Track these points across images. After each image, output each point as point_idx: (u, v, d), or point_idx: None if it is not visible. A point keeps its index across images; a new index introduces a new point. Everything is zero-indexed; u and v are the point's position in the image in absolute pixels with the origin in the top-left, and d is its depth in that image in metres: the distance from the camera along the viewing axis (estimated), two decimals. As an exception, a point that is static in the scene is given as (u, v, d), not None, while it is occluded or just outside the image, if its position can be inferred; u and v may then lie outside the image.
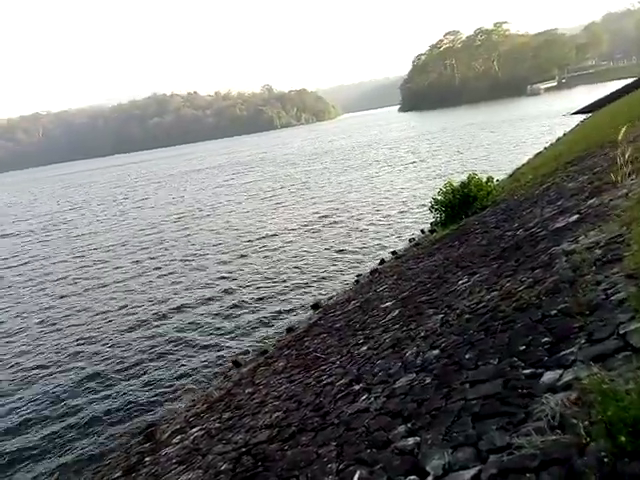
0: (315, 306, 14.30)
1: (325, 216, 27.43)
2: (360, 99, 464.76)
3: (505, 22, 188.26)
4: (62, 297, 19.36)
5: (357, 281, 15.71)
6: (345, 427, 5.09)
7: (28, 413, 10.96)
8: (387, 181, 36.54)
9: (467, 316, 5.75)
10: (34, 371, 13.11)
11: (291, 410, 6.59)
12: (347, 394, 5.92)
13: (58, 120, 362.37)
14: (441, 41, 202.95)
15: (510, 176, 24.33)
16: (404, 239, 20.26)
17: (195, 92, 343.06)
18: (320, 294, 15.66)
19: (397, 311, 8.25)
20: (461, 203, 15.16)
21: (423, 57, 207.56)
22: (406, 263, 13.39)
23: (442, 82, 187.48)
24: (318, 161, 60.74)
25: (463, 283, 7.36)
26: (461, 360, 4.64)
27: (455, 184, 15.83)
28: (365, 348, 7.30)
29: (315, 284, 16.81)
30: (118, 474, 7.56)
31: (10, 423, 10.65)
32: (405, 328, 7.04)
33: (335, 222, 25.43)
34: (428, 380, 4.77)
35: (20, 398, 11.75)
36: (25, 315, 17.86)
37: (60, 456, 9.31)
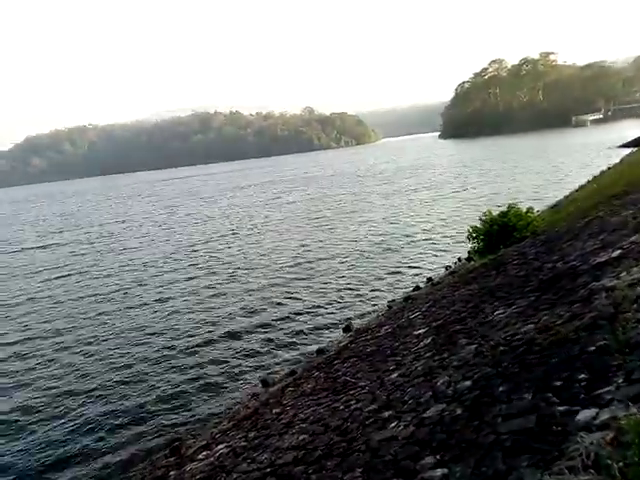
0: (346, 329, 14.28)
1: (364, 239, 27.43)
2: (399, 124, 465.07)
3: (552, 52, 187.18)
4: (99, 312, 19.74)
5: (390, 306, 15.63)
6: (372, 454, 5.06)
7: (60, 424, 11.16)
8: (427, 207, 36.38)
9: (502, 348, 5.68)
10: (72, 383, 13.38)
11: (318, 433, 6.57)
12: (375, 420, 5.89)
13: (103, 133, 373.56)
14: (485, 69, 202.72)
15: (552, 207, 23.97)
16: (440, 266, 20.10)
17: (237, 111, 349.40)
18: (352, 317, 15.62)
19: (430, 339, 8.18)
20: (499, 233, 15.00)
21: (467, 85, 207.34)
22: (441, 291, 13.27)
23: (485, 110, 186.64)
24: (360, 183, 60.91)
25: (499, 314, 7.27)
26: (494, 393, 4.58)
27: (494, 213, 15.69)
28: (396, 375, 7.25)
29: (347, 307, 16.78)
30: (143, 486, 7.65)
31: (40, 433, 10.86)
32: (437, 357, 6.97)
33: (373, 245, 25.39)
34: (459, 411, 4.71)
35: (57, 410, 11.99)
36: (61, 327, 18.27)
37: (87, 466, 9.44)
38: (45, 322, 18.85)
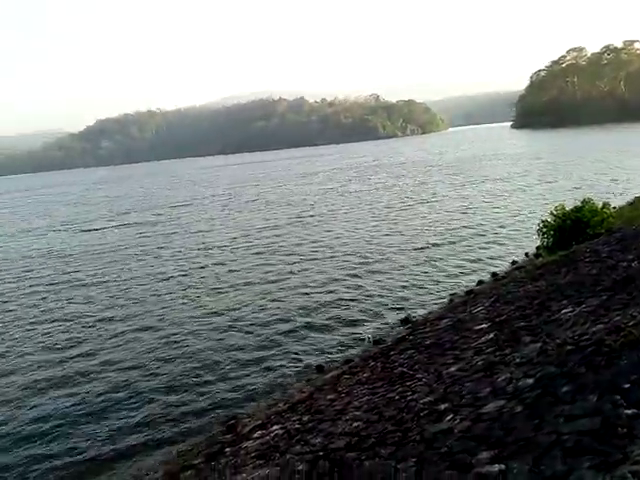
0: (405, 321, 14.24)
1: (429, 230, 27.12)
2: (468, 113, 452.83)
3: (636, 40, 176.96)
4: (164, 293, 20.44)
5: (451, 300, 15.47)
6: (426, 445, 5.08)
7: (128, 397, 11.74)
8: (497, 199, 35.51)
9: (568, 347, 5.55)
10: (138, 358, 14.02)
11: (372, 422, 6.64)
12: (431, 412, 5.89)
13: (169, 118, 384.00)
14: (563, 57, 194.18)
15: (631, 204, 22.93)
16: (506, 261, 19.66)
17: (302, 97, 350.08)
18: (411, 309, 15.55)
19: (492, 334, 8.07)
20: (572, 228, 14.53)
21: (542, 73, 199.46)
22: (506, 286, 13.01)
23: (562, 100, 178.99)
24: (427, 173, 59.96)
25: (567, 312, 7.09)
26: (557, 392, 4.50)
27: (567, 208, 15.19)
28: (454, 369, 7.21)
29: (407, 298, 16.71)
30: (200, 460, 7.95)
31: (111, 405, 11.46)
32: (499, 353, 6.88)
33: (438, 237, 25.08)
34: (519, 409, 4.66)
35: (125, 385, 12.60)
36: (127, 308, 19.02)
37: (148, 437, 9.90)
38: (110, 302, 19.62)
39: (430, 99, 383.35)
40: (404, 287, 17.84)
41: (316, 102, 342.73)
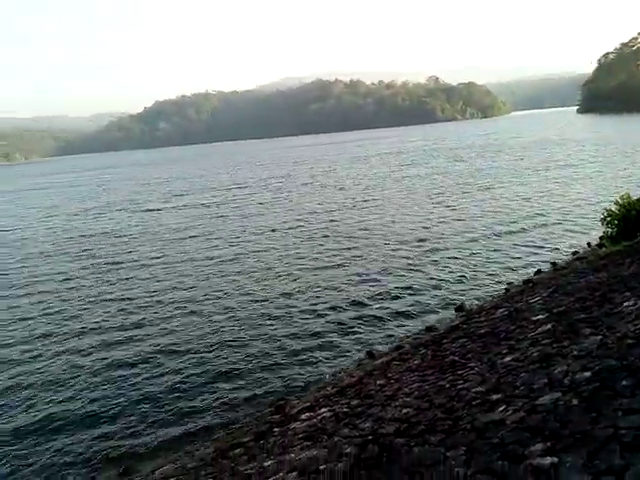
0: (459, 309, 14.10)
1: (487, 217, 26.58)
2: (531, 97, 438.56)
3: None
4: (217, 275, 20.90)
5: (507, 289, 15.20)
6: (477, 435, 5.05)
7: (180, 380, 12.13)
8: (560, 186, 34.33)
9: (630, 341, 5.39)
10: (192, 339, 14.46)
11: (422, 409, 6.64)
12: (483, 402, 5.85)
13: (225, 100, 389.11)
14: (635, 39, 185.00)
15: None
16: (567, 251, 19.12)
17: (358, 79, 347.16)
18: (465, 297, 15.36)
19: (549, 325, 7.90)
20: (637, 218, 13.97)
21: (611, 56, 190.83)
22: (566, 277, 12.68)
23: (631, 85, 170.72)
24: (487, 158, 58.50)
25: (630, 305, 6.87)
26: (616, 386, 4.39)
27: (633, 197, 14.62)
28: (509, 359, 7.11)
29: (461, 286, 16.51)
30: (249, 438, 8.15)
31: (164, 386, 11.86)
32: (556, 344, 6.74)
33: (496, 224, 24.55)
34: (575, 402, 4.58)
35: (170, 363, 13.01)
36: (180, 289, 19.51)
37: (199, 417, 10.22)
38: (164, 284, 20.08)
39: (491, 82, 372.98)
40: (459, 275, 17.62)
41: (373, 84, 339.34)
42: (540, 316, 8.93)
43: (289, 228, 29.01)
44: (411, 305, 15.19)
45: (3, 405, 11.20)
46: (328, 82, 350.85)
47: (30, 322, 16.39)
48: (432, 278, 17.51)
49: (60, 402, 11.14)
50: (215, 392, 11.10)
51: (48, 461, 9.16)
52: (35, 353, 13.78)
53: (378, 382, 8.93)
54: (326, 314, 14.98)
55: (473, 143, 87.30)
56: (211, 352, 13.06)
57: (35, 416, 10.57)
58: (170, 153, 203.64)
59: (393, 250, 21.65)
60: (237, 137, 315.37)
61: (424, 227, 25.66)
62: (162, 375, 12.10)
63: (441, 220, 26.99)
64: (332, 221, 29.76)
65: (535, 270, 16.78)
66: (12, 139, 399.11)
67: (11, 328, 15.99)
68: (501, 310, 11.66)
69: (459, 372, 7.75)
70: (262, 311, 15.80)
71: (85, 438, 9.79)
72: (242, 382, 11.45)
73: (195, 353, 13.11)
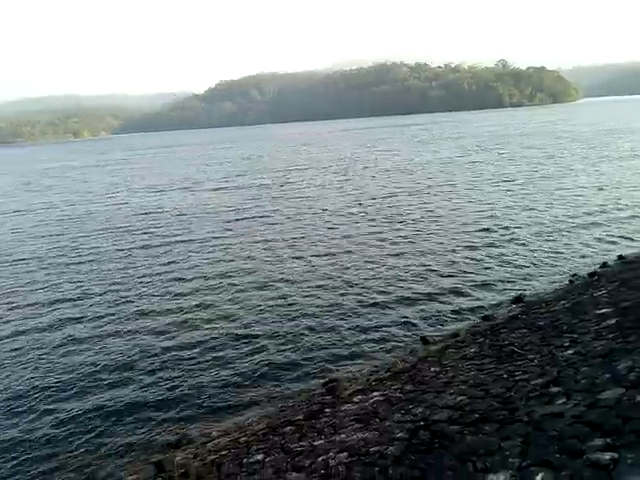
0: (518, 299, 13.81)
1: (556, 207, 25.66)
2: (605, 83, 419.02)
3: None
4: (274, 257, 21.12)
5: (571, 281, 14.78)
6: (534, 427, 5.01)
7: (236, 354, 12.42)
8: (638, 178, 32.74)
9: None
10: (250, 320, 14.73)
11: (476, 397, 6.61)
12: (542, 394, 5.77)
13: (289, 81, 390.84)
14: None
15: None
16: (636, 244, 18.36)
17: (425, 63, 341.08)
18: (525, 288, 15.00)
19: (614, 320, 7.68)
20: None
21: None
22: (635, 270, 12.23)
23: None
24: (560, 146, 55.75)
25: None
26: (686, 385, 4.25)
27: None
28: (571, 352, 6.97)
29: (523, 276, 16.11)
30: (300, 417, 8.30)
31: (220, 359, 12.18)
32: (621, 339, 6.56)
33: (564, 215, 23.66)
34: (640, 398, 4.46)
35: (225, 341, 13.34)
36: (238, 269, 19.82)
37: (252, 393, 10.44)
38: (222, 260, 20.40)
39: (562, 67, 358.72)
40: (521, 264, 17.21)
41: (439, 67, 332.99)
42: (605, 310, 8.69)
43: (348, 211, 28.82)
44: (469, 293, 14.95)
45: (70, 384, 11.65)
46: (392, 65, 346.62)
47: (92, 299, 16.82)
48: (492, 267, 17.16)
49: (120, 381, 11.49)
50: (268, 372, 11.28)
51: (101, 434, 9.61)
52: (98, 332, 14.18)
53: (432, 369, 8.92)
54: (381, 299, 14.94)
55: (542, 129, 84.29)
56: (267, 334, 13.18)
57: (99, 397, 10.93)
58: (232, 133, 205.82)
59: (455, 237, 21.29)
60: (299, 118, 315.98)
61: (489, 214, 25.06)
62: (218, 353, 12.33)
63: (507, 208, 26.25)
64: (393, 206, 29.42)
65: (601, 263, 16.22)
66: (81, 116, 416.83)
67: (76, 304, 16.53)
68: (563, 302, 11.40)
69: (517, 363, 7.65)
70: (319, 293, 15.88)
71: (142, 411, 10.15)
72: (295, 363, 11.60)
73: (253, 334, 13.27)
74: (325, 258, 19.57)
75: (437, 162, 49.55)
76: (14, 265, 21.66)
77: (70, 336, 13.83)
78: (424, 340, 11.73)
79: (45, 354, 12.76)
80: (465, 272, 16.78)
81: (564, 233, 20.61)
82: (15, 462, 8.61)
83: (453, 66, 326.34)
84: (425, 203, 29.55)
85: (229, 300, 15.73)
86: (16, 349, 13.15)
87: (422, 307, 14.13)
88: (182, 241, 24.04)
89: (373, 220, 25.76)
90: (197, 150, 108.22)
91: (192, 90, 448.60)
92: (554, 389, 5.73)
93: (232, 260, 20.17)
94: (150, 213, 32.64)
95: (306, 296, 15.54)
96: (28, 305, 16.42)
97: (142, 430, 9.42)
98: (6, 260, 22.52)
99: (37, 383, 11.35)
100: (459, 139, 77.24)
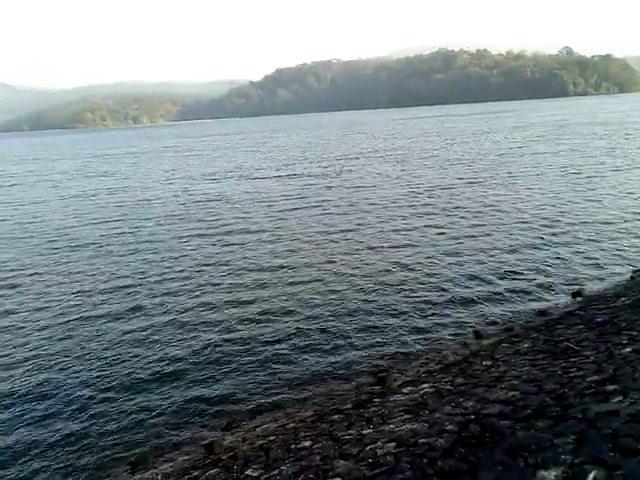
0: (576, 294, 13.49)
1: (618, 200, 24.79)
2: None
3: None
4: (324, 245, 21.19)
5: (632, 277, 14.34)
6: (588, 424, 4.95)
7: (288, 345, 12.65)
8: None
9: None
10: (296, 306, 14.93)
11: (529, 393, 6.55)
12: (597, 392, 5.69)
13: (345, 69, 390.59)
14: None
15: None
16: None
17: (485, 50, 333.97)
18: (584, 283, 14.63)
19: (678, 318, 7.43)
20: None
21: None
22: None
23: None
24: (630, 138, 53.21)
25: None
26: None
27: None
28: (629, 350, 6.82)
29: (582, 272, 15.69)
30: (348, 406, 8.40)
31: (271, 349, 12.43)
32: (685, 338, 6.36)
33: (627, 210, 22.87)
34: (702, 399, 4.34)
35: (278, 326, 13.56)
36: (289, 258, 20.09)
37: (301, 381, 10.60)
38: (270, 255, 20.15)
39: (629, 55, 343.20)
40: (582, 259, 16.76)
41: (500, 54, 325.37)
42: (669, 307, 8.41)
43: (404, 201, 28.37)
44: (525, 287, 14.67)
45: (126, 359, 12.07)
46: (452, 52, 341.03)
47: (148, 288, 17.02)
48: (551, 261, 16.77)
49: (175, 368, 11.74)
50: (316, 358, 11.43)
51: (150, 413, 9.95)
52: (153, 322, 14.52)
53: (484, 362, 8.85)
54: (435, 294, 14.84)
55: (609, 119, 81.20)
56: (319, 326, 13.25)
57: (156, 380, 11.20)
58: (288, 121, 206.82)
59: (516, 229, 20.84)
60: (356, 106, 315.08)
61: (552, 207, 24.37)
62: (271, 344, 12.47)
63: (571, 201, 25.50)
64: (453, 198, 28.77)
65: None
66: (141, 103, 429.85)
67: (132, 293, 16.80)
68: (623, 299, 11.09)
69: (572, 359, 7.53)
70: (375, 282, 15.86)
71: (194, 396, 10.45)
72: (345, 348, 11.71)
73: (306, 320, 13.44)
74: (379, 252, 19.43)
75: (498, 152, 48.44)
76: (74, 251, 22.31)
77: (126, 322, 14.27)
78: (477, 334, 11.63)
79: (103, 342, 13.12)
80: (522, 266, 16.48)
81: (629, 228, 19.95)
82: (84, 443, 9.00)
83: (515, 53, 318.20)
84: (485, 193, 29.02)
85: (282, 293, 15.70)
86: (69, 337, 13.55)
87: (475, 301, 13.97)
88: (237, 231, 24.13)
89: (431, 213, 25.32)
90: (253, 137, 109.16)
91: (249, 78, 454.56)
92: (610, 387, 5.64)
93: (287, 252, 20.07)
94: (207, 201, 33.03)
95: (359, 289, 15.50)
96: (83, 292, 16.84)
97: (193, 413, 9.72)
98: (67, 245, 23.29)
99: (97, 371, 11.70)
100: (521, 129, 75.30)
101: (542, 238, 19.45)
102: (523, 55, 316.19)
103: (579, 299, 13.10)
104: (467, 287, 14.97)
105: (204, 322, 13.93)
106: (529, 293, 14.22)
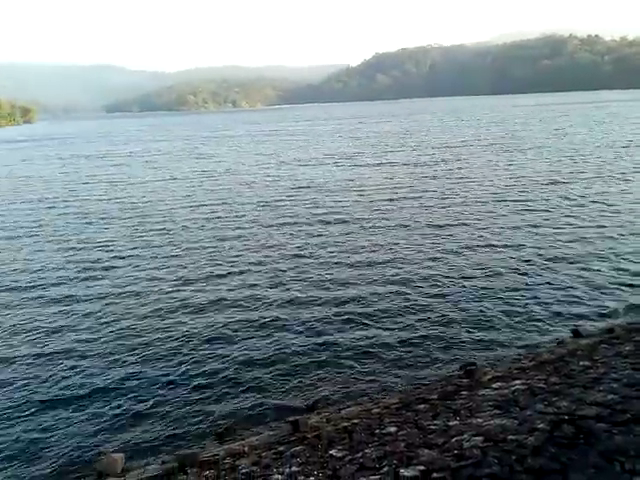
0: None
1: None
2: None
3: None
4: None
5: None
6: (695, 434, 4.70)
7: (373, 329, 12.76)
8: None
9: None
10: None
11: (630, 397, 6.35)
12: None
13: (446, 54, 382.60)
14: None
15: None
16: None
17: (596, 35, 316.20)
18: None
19: None
20: None
21: None
22: None
23: None
24: None
25: None
26: None
27: None
28: None
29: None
30: (434, 397, 8.40)
31: (359, 335, 12.61)
32: None
33: None
34: None
35: (367, 320, 13.68)
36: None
37: (386, 369, 10.70)
38: (367, 249, 19.56)
39: None
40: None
41: (614, 40, 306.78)
42: None
43: (510, 198, 26.51)
44: (628, 288, 13.95)
45: (220, 345, 12.42)
46: (560, 37, 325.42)
47: (244, 276, 17.06)
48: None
49: (270, 347, 12.05)
50: (403, 349, 11.45)
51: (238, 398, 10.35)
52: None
53: (581, 363, 8.58)
54: (530, 285, 14.44)
55: None
56: (405, 315, 13.21)
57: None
58: (388, 107, 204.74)
59: (624, 223, 19.84)
60: (457, 93, 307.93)
61: (622, 210, 22.71)
62: (359, 331, 12.56)
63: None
64: (559, 193, 26.86)
65: None
66: (243, 87, 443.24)
67: (227, 277, 16.94)
68: None
69: (681, 365, 7.14)
70: (463, 275, 15.61)
71: (281, 376, 10.75)
72: (432, 339, 11.67)
73: (392, 314, 13.34)
74: (478, 244, 18.85)
75: (610, 145, 45.40)
76: (162, 234, 22.81)
77: (219, 299, 14.88)
78: (575, 333, 11.23)
79: (198, 327, 13.36)
80: (624, 265, 15.67)
81: None
82: (173, 417, 9.50)
83: (630, 39, 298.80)
84: (593, 191, 27.16)
85: (379, 292, 15.19)
86: (162, 323, 13.80)
87: (575, 296, 13.51)
88: (333, 221, 23.79)
89: (529, 209, 24.03)
90: (351, 123, 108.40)
91: (347, 62, 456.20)
92: None
93: (384, 246, 19.46)
94: (301, 187, 33.03)
95: (454, 282, 15.23)
96: (167, 279, 16.98)
97: (282, 392, 10.05)
98: (165, 228, 23.90)
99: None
100: (624, 122, 70.20)
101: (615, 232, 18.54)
102: (638, 42, 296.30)
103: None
104: (565, 286, 14.41)
105: (298, 313, 13.88)
106: (633, 294, 13.51)
